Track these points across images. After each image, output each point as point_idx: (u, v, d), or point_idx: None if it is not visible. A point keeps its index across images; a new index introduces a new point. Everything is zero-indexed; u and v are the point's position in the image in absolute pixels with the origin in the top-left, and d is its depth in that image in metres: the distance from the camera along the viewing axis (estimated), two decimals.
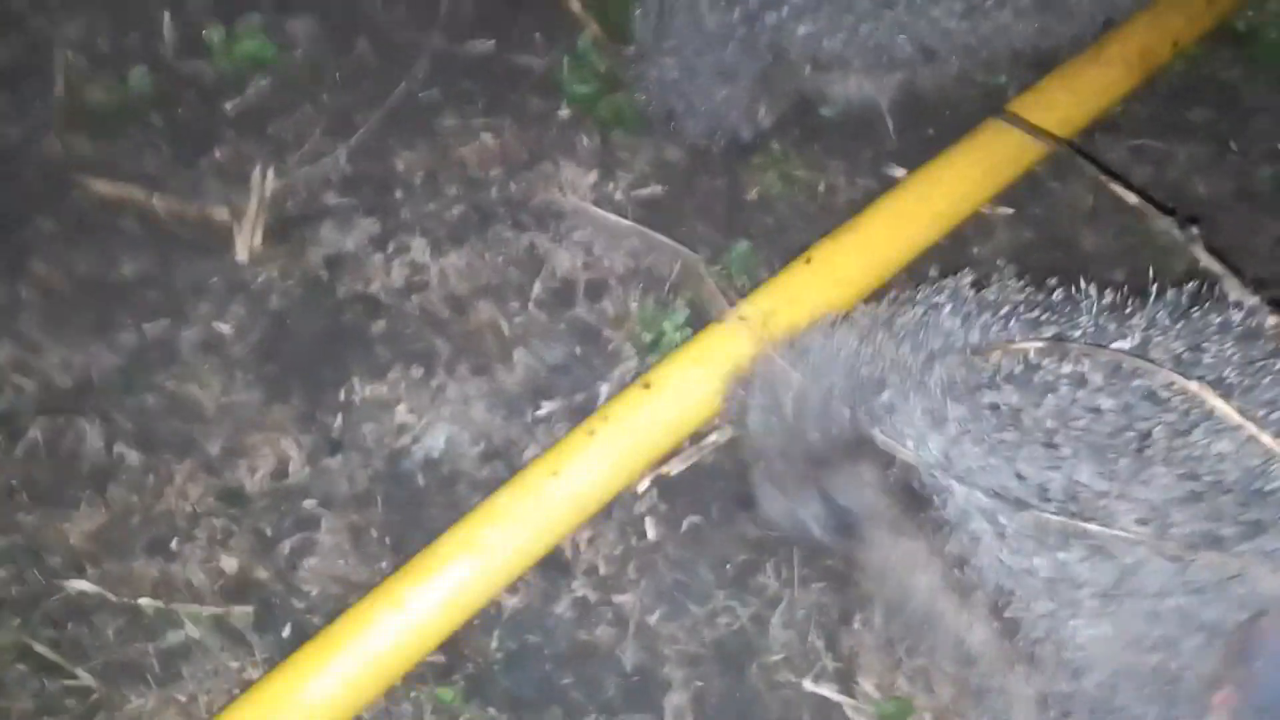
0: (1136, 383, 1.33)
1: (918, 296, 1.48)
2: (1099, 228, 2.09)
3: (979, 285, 1.49)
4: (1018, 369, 1.35)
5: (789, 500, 1.60)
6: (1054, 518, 1.28)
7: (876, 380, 1.40)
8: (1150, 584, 1.28)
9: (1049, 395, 1.32)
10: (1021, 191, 2.06)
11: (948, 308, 1.43)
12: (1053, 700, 1.36)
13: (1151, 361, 1.33)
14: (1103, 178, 1.54)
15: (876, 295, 1.80)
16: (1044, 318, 1.42)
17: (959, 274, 1.51)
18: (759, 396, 1.48)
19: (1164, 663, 1.30)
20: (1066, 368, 1.34)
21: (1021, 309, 1.44)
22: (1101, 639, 1.30)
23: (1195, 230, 1.53)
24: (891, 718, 1.62)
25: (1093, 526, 1.27)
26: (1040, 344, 1.36)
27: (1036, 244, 2.04)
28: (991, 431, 1.32)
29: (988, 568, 1.34)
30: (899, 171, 2.06)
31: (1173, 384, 1.32)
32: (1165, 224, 1.55)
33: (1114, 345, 1.37)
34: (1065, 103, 2.02)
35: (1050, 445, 1.30)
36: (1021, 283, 1.50)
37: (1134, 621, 1.29)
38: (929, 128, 2.12)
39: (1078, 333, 1.39)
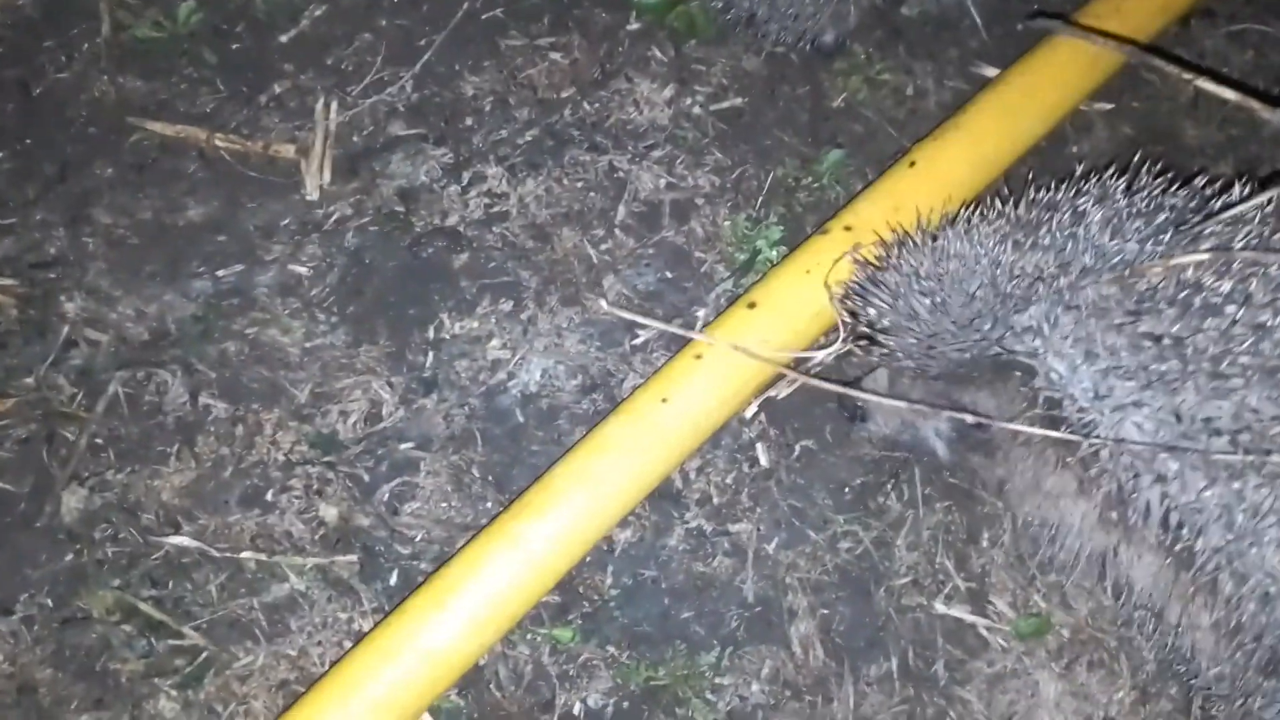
0: None
1: (1060, 198, 1.38)
2: (1201, 119, 1.98)
3: (1127, 187, 1.39)
4: (1177, 290, 1.26)
5: (910, 414, 1.53)
6: (1221, 456, 1.20)
7: (1021, 296, 1.31)
8: None
9: (1211, 318, 1.23)
10: (1119, 85, 1.96)
11: (1097, 215, 1.33)
12: (1242, 628, 1.28)
13: None
14: (1187, 75, 1.31)
15: (981, 199, 1.72)
16: (1202, 227, 1.31)
17: (1106, 173, 1.41)
18: (891, 301, 1.39)
19: None
20: (1227, 285, 1.25)
21: (1173, 216, 1.34)
22: None
23: None
24: (1029, 635, 1.56)
25: (1271, 459, 1.18)
26: (1203, 256, 1.26)
27: (1137, 139, 1.94)
28: (1150, 363, 1.24)
29: (1151, 503, 1.26)
30: (989, 70, 1.95)
31: None
32: (1276, 116, 1.32)
33: None
34: None
35: (1216, 374, 1.22)
36: (1173, 185, 1.39)
37: None
38: (1018, 22, 2.01)
39: (1239, 244, 1.29)
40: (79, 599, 1.51)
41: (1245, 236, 1.29)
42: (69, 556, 1.54)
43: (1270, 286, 1.25)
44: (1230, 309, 1.24)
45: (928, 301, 1.36)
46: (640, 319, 1.67)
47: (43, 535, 1.55)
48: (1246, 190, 1.38)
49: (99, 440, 1.61)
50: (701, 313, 1.73)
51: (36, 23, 1.89)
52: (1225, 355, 1.22)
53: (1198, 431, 1.22)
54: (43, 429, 1.61)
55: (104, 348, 1.67)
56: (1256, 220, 1.31)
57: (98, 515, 1.56)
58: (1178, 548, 1.27)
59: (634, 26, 1.96)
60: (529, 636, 1.54)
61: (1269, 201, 1.33)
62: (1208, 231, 1.31)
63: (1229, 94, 1.29)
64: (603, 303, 1.68)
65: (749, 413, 1.66)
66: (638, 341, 1.71)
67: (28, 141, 1.80)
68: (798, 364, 1.64)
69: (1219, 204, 1.36)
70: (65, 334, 1.67)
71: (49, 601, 1.51)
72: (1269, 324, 1.22)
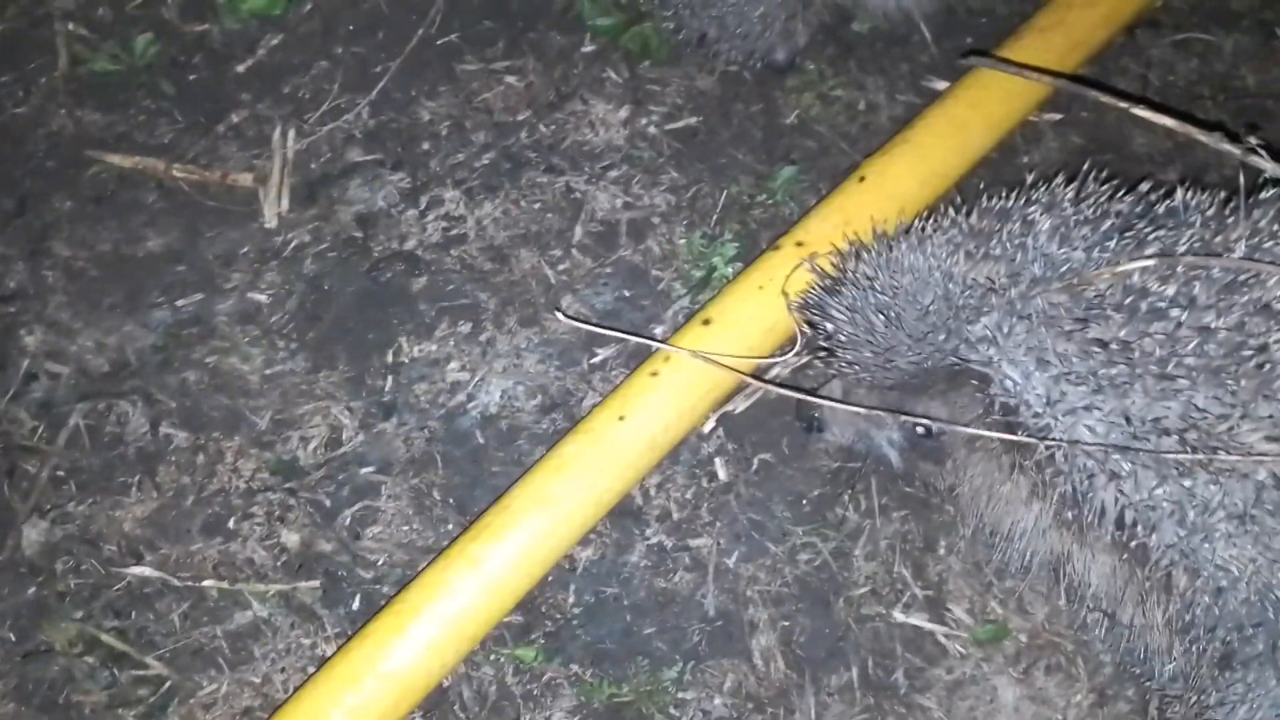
0: (1246, 297, 1.26)
1: (1010, 207, 1.40)
2: (1149, 128, 2.00)
3: (1075, 195, 1.41)
4: (1124, 296, 1.28)
5: (865, 423, 1.54)
6: (1172, 456, 1.22)
7: (974, 307, 1.33)
8: None
9: (1157, 322, 1.26)
10: (1068, 95, 1.98)
11: (1045, 224, 1.36)
12: (1195, 621, 1.29)
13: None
14: (1122, 104, 1.34)
15: (933, 210, 1.74)
16: (1147, 232, 1.33)
17: (1053, 182, 1.43)
18: (847, 316, 1.41)
19: None
20: (1171, 289, 1.27)
21: (1119, 222, 1.36)
22: (1243, 558, 1.23)
23: (1254, 141, 1.33)
24: (987, 642, 1.57)
25: (1218, 457, 1.20)
26: (1150, 263, 1.28)
27: (1086, 149, 1.97)
28: (1099, 368, 1.25)
29: (1106, 502, 1.28)
30: (939, 84, 1.98)
31: None
32: (1212, 140, 1.33)
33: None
34: None
35: (1163, 376, 1.24)
36: (1119, 192, 1.42)
37: (1278, 537, 1.22)
38: (967, 36, 2.05)
39: (1183, 248, 1.31)
40: (41, 632, 1.52)
41: (1189, 241, 1.31)
42: (31, 589, 1.54)
43: (1213, 289, 1.27)
44: (1175, 312, 1.26)
45: (882, 317, 1.38)
46: (600, 329, 1.68)
47: (4, 569, 1.56)
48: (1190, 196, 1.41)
49: (60, 472, 1.62)
50: (659, 330, 1.75)
51: None
52: (1171, 358, 1.24)
53: (1147, 432, 1.24)
54: (3, 462, 1.62)
55: (64, 380, 1.68)
56: (1198, 225, 1.34)
57: (59, 547, 1.57)
58: (1133, 545, 1.28)
59: (589, 49, 1.99)
60: (493, 657, 1.55)
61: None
62: (1152, 237, 1.34)
63: (1169, 122, 1.31)
64: (560, 315, 1.69)
65: (707, 428, 1.68)
66: (596, 360, 1.73)
67: None
68: (756, 375, 1.66)
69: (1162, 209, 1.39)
70: (25, 367, 1.68)
71: (11, 635, 1.52)
72: (1212, 325, 1.25)
